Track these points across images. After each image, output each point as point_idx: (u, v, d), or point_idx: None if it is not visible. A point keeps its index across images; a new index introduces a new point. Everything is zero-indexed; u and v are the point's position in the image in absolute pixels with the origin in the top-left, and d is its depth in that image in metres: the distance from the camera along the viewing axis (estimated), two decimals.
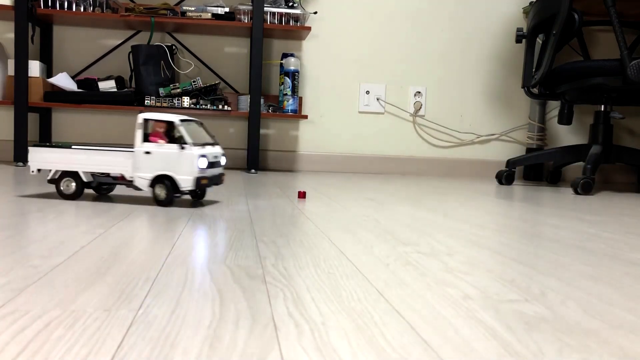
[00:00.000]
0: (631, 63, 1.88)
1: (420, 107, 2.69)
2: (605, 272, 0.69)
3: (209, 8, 2.28)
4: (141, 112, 1.18)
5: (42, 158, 1.15)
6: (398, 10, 2.64)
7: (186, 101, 2.24)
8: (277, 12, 2.31)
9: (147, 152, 1.10)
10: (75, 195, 1.16)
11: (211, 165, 1.14)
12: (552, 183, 2.55)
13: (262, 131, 2.60)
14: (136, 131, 1.11)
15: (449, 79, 2.70)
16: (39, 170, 1.16)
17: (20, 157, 2.16)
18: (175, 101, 2.24)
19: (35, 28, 2.30)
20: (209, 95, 2.30)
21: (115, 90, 2.27)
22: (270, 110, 2.42)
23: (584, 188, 1.91)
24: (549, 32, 2.08)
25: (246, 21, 2.30)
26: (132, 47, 2.32)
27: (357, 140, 2.67)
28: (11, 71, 2.24)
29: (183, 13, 2.26)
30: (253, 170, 2.31)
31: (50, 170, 1.19)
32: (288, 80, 2.39)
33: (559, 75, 2.11)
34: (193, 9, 2.27)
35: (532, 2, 2.68)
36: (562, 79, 2.11)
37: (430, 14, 2.66)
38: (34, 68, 2.21)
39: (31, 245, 0.70)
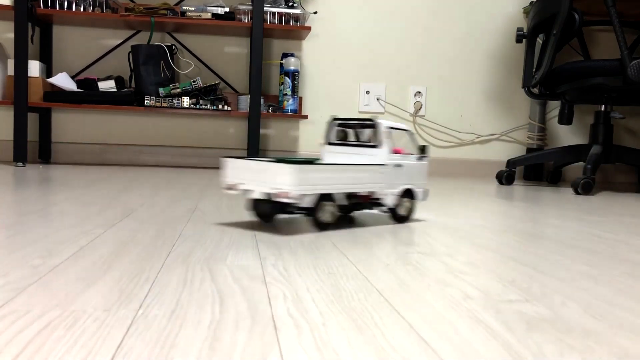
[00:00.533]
0: (631, 63, 1.88)
1: (421, 107, 2.68)
2: (605, 272, 0.69)
3: (209, 8, 2.28)
4: (335, 118, 1.03)
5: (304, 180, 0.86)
6: (398, 10, 2.64)
7: (186, 101, 2.24)
8: (277, 12, 2.31)
9: (398, 165, 1.01)
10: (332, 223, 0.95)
11: None
12: (552, 183, 2.55)
13: (262, 131, 2.60)
14: (383, 140, 0.98)
15: (449, 79, 2.70)
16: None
17: (20, 157, 2.16)
18: (175, 101, 2.24)
19: (35, 28, 2.30)
20: (209, 95, 2.30)
21: (115, 90, 2.27)
22: (270, 110, 2.42)
23: (585, 188, 1.91)
24: (549, 32, 2.08)
25: (246, 21, 2.30)
26: (132, 47, 2.32)
27: None
28: (11, 71, 2.24)
29: (183, 13, 2.26)
30: None
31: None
32: (288, 80, 2.39)
33: (559, 75, 2.11)
34: (193, 9, 2.27)
35: (532, 2, 2.67)
36: (563, 79, 2.11)
37: (430, 13, 2.66)
38: (34, 68, 2.21)
39: (31, 245, 0.70)
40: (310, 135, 2.63)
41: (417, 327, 0.45)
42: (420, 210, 1.24)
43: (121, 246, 0.72)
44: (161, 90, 2.28)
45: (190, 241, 0.78)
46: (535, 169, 2.70)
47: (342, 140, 1.05)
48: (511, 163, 2.31)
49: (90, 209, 1.05)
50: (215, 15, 2.27)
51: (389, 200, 1.01)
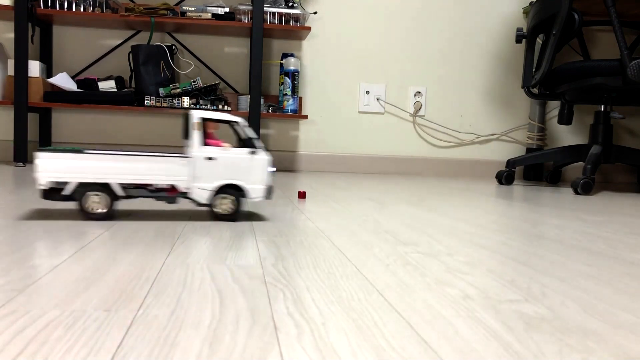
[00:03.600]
0: (631, 63, 1.88)
1: (420, 107, 2.68)
2: (605, 272, 0.69)
3: (209, 8, 2.28)
4: (191, 111, 0.95)
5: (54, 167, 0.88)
6: (398, 10, 2.64)
7: (186, 101, 2.24)
8: (277, 12, 2.31)
9: (210, 158, 0.94)
10: (107, 216, 0.93)
11: None
12: (552, 183, 2.55)
13: (262, 131, 2.60)
14: (192, 132, 0.93)
15: (449, 79, 2.70)
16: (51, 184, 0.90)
17: (20, 157, 2.16)
18: (175, 101, 2.24)
19: (35, 28, 2.30)
20: (209, 95, 2.30)
21: (115, 90, 2.27)
22: (270, 110, 2.42)
23: (584, 188, 1.91)
24: (549, 32, 2.08)
25: (246, 21, 2.30)
26: (132, 47, 2.32)
27: (357, 140, 2.67)
28: (11, 71, 2.24)
29: (183, 13, 2.26)
30: None
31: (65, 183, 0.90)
32: (288, 80, 2.39)
33: (559, 75, 2.11)
34: (193, 9, 2.27)
35: (532, 2, 2.67)
36: (562, 79, 2.11)
37: (430, 13, 2.66)
38: (34, 68, 2.21)
39: (31, 245, 0.70)
40: (310, 135, 2.63)
41: (417, 327, 0.45)
42: (420, 210, 1.24)
43: (121, 246, 0.72)
44: (161, 91, 2.28)
45: (190, 241, 0.78)
46: (535, 169, 2.70)
47: (186, 134, 1.00)
48: (511, 163, 2.31)
49: None
50: (215, 16, 2.27)
51: (196, 195, 0.94)
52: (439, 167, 2.72)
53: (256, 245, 0.77)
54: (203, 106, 2.26)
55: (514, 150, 2.78)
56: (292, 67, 2.39)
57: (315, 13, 2.47)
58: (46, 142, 2.42)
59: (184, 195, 0.95)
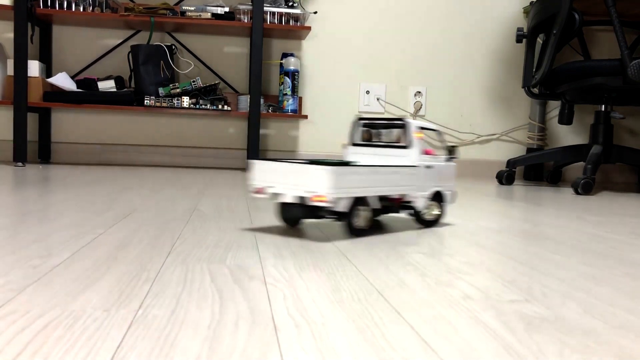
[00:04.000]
0: (631, 63, 1.88)
1: (420, 107, 2.68)
2: (605, 272, 0.69)
3: (208, 8, 2.28)
4: (360, 118, 0.97)
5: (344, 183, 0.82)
6: (398, 10, 2.64)
7: (186, 101, 2.24)
8: (277, 12, 2.31)
9: (428, 167, 0.97)
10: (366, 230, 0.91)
11: None
12: (552, 183, 2.55)
13: (262, 131, 2.60)
14: (414, 140, 0.95)
15: (449, 78, 2.70)
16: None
17: (20, 157, 2.16)
18: (175, 101, 2.24)
19: (35, 28, 2.30)
20: (209, 95, 2.30)
21: (115, 90, 2.27)
22: (270, 110, 2.42)
23: (585, 188, 1.91)
24: (549, 32, 2.08)
25: (246, 21, 2.30)
26: (132, 47, 2.32)
27: None
28: (11, 71, 2.24)
29: (183, 13, 2.26)
30: None
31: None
32: (288, 80, 2.39)
33: (559, 75, 2.11)
34: (193, 8, 2.27)
35: (532, 2, 2.67)
36: (563, 79, 2.11)
37: (430, 13, 2.66)
38: (34, 68, 2.21)
39: (31, 245, 0.70)
40: (310, 135, 2.63)
41: (417, 327, 0.45)
42: None
43: (121, 246, 0.72)
44: (161, 90, 2.28)
45: (190, 241, 0.78)
46: (535, 169, 2.70)
47: (367, 141, 1.01)
48: (511, 163, 2.31)
49: (90, 209, 1.05)
50: (215, 15, 2.27)
51: (419, 203, 0.96)
52: None
53: (256, 245, 0.77)
54: (203, 106, 2.26)
55: (514, 150, 2.78)
56: (292, 67, 2.39)
57: (315, 13, 2.46)
58: (46, 142, 2.42)
59: (407, 203, 0.96)
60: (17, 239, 0.74)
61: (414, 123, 0.95)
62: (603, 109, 2.17)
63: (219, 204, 1.20)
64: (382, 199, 0.93)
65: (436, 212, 1.00)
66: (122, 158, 2.50)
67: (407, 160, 0.95)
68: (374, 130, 1.01)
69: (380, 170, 0.88)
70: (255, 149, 2.30)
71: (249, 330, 0.43)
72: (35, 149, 2.46)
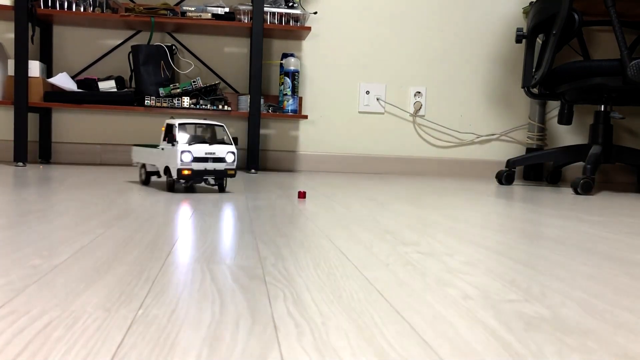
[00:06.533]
0: (631, 63, 1.88)
1: (420, 107, 2.69)
2: (605, 272, 0.69)
3: (209, 8, 2.28)
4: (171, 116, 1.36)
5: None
6: (398, 10, 2.64)
7: (186, 101, 2.24)
8: (277, 12, 2.31)
9: (162, 149, 1.42)
10: (147, 181, 1.56)
11: (202, 160, 1.36)
12: (552, 183, 2.55)
13: (262, 131, 2.60)
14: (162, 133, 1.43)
15: (449, 79, 2.70)
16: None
17: (20, 157, 2.16)
18: (175, 101, 2.24)
19: (35, 28, 2.30)
20: (209, 95, 2.30)
21: (115, 90, 2.27)
22: (270, 110, 2.42)
23: (584, 188, 1.91)
24: (549, 32, 2.08)
25: (246, 21, 2.30)
26: (132, 47, 2.32)
27: (357, 140, 2.67)
28: (11, 71, 2.24)
29: (183, 13, 2.26)
30: (253, 170, 2.31)
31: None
32: (288, 80, 2.39)
33: (559, 75, 2.11)
34: (193, 9, 2.27)
35: (532, 2, 2.68)
36: (562, 79, 2.11)
37: (430, 14, 2.66)
38: (34, 68, 2.21)
39: (31, 245, 0.70)
40: (310, 135, 2.63)
41: (417, 327, 0.45)
42: (420, 210, 1.24)
43: (121, 246, 0.72)
44: (161, 91, 2.28)
45: (190, 241, 0.78)
46: (535, 169, 2.70)
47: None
48: (511, 163, 2.31)
49: (90, 209, 1.05)
50: (215, 16, 2.27)
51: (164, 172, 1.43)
52: (439, 167, 2.72)
53: (256, 245, 0.77)
54: (203, 106, 2.26)
55: (514, 150, 2.78)
56: (292, 67, 2.39)
57: (315, 13, 2.47)
58: (46, 142, 2.42)
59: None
60: (17, 239, 0.74)
61: (166, 121, 1.42)
62: (603, 109, 2.18)
63: (219, 204, 1.20)
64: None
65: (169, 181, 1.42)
66: (122, 158, 2.50)
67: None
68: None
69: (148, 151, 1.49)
70: (256, 149, 2.30)
71: (249, 330, 0.43)
72: (35, 149, 2.46)
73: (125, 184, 1.56)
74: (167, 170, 1.40)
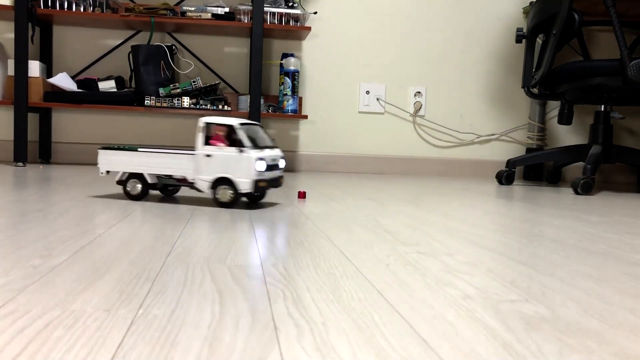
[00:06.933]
0: (631, 63, 1.88)
1: (420, 107, 2.68)
2: (605, 272, 0.69)
3: (209, 8, 2.28)
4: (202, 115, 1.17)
5: (109, 160, 1.19)
6: (398, 10, 2.64)
7: (186, 101, 2.24)
8: (277, 12, 2.31)
9: (208, 155, 1.12)
10: (141, 196, 1.19)
11: (270, 168, 1.15)
12: (552, 183, 2.55)
13: None
14: (197, 135, 1.13)
15: (449, 79, 2.70)
16: (107, 172, 1.20)
17: (20, 157, 2.16)
18: (175, 101, 2.24)
19: (35, 28, 2.30)
20: (209, 95, 2.30)
21: (115, 90, 2.27)
22: (270, 110, 2.42)
23: (584, 188, 1.91)
24: (549, 32, 2.08)
25: (246, 21, 2.30)
26: (132, 47, 2.32)
27: (357, 141, 2.67)
28: (11, 71, 2.24)
29: (183, 13, 2.26)
30: None
31: (118, 172, 1.23)
32: (288, 80, 2.39)
33: (559, 75, 2.11)
34: (193, 9, 2.27)
35: (532, 2, 2.67)
36: (562, 79, 2.11)
37: (430, 14, 2.66)
38: (34, 68, 2.21)
39: (31, 245, 0.70)
40: (310, 135, 2.63)
41: (417, 327, 0.45)
42: (420, 210, 1.24)
43: (121, 246, 0.72)
44: (161, 91, 2.28)
45: (190, 241, 0.78)
46: (535, 169, 2.70)
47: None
48: (511, 163, 2.31)
49: (91, 209, 1.05)
50: (215, 16, 2.27)
51: (201, 186, 1.14)
52: (439, 167, 2.72)
53: (256, 245, 0.77)
54: (203, 106, 2.26)
55: (514, 150, 2.78)
56: (292, 67, 2.39)
57: (315, 13, 2.47)
58: (46, 142, 2.42)
59: (191, 184, 1.19)
60: (17, 239, 0.74)
61: (202, 119, 1.13)
62: (603, 109, 2.18)
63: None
64: (166, 177, 1.19)
65: (229, 195, 1.13)
66: None
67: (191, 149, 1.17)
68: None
69: (150, 155, 1.15)
70: None
71: (249, 330, 0.43)
72: (35, 149, 2.46)
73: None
74: (221, 181, 1.13)
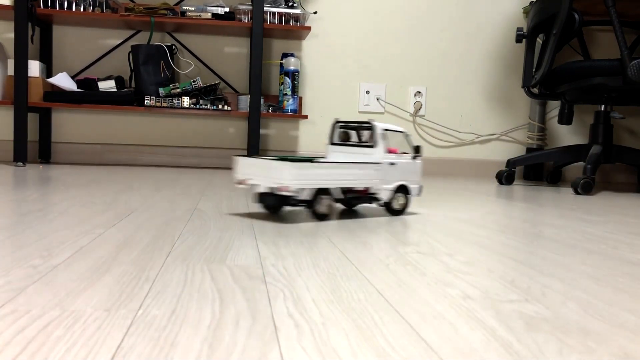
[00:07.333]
0: (631, 63, 1.88)
1: (420, 107, 2.68)
2: (605, 272, 0.69)
3: (209, 8, 2.28)
4: (338, 121, 1.17)
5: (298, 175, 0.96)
6: (398, 10, 2.64)
7: (186, 101, 2.24)
8: (277, 12, 2.31)
9: (392, 164, 1.10)
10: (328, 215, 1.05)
11: None
12: (552, 183, 2.55)
13: (262, 131, 2.59)
14: (378, 141, 1.08)
15: (449, 79, 2.70)
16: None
17: (20, 157, 2.16)
18: (175, 101, 2.24)
19: (35, 28, 2.29)
20: (209, 95, 2.30)
21: (115, 90, 2.27)
22: (270, 110, 2.42)
23: (584, 188, 1.91)
24: (549, 32, 2.08)
25: (246, 21, 2.30)
26: (132, 47, 2.32)
27: None
28: (11, 71, 2.24)
29: (183, 13, 2.26)
30: None
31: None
32: (288, 80, 2.39)
33: (559, 75, 2.11)
34: (193, 9, 2.27)
35: (532, 2, 2.67)
36: (562, 79, 2.11)
37: (430, 13, 2.66)
38: (34, 68, 2.21)
39: (31, 245, 0.70)
40: (310, 135, 2.63)
41: (417, 327, 0.45)
42: (420, 210, 1.24)
43: (121, 246, 0.72)
44: (161, 90, 2.28)
45: (190, 241, 0.78)
46: (535, 168, 2.70)
47: (344, 141, 1.16)
48: (511, 163, 2.31)
49: (91, 209, 1.05)
50: (215, 15, 2.27)
51: (384, 195, 1.10)
52: (439, 167, 2.72)
53: (256, 245, 0.77)
54: (203, 106, 2.26)
55: (514, 150, 2.78)
56: (292, 67, 2.39)
57: (315, 13, 2.47)
58: (46, 142, 2.42)
59: (373, 195, 1.11)
60: (17, 239, 0.74)
61: (379, 125, 1.08)
62: (603, 109, 2.18)
63: (219, 204, 1.20)
64: (347, 190, 1.07)
65: (402, 202, 1.13)
66: (122, 158, 2.50)
67: (372, 157, 1.08)
68: (350, 131, 1.16)
69: (339, 166, 1.02)
70: (256, 149, 2.30)
71: (249, 330, 0.43)
72: (35, 149, 2.46)
73: (126, 184, 1.55)
74: (399, 189, 1.11)
